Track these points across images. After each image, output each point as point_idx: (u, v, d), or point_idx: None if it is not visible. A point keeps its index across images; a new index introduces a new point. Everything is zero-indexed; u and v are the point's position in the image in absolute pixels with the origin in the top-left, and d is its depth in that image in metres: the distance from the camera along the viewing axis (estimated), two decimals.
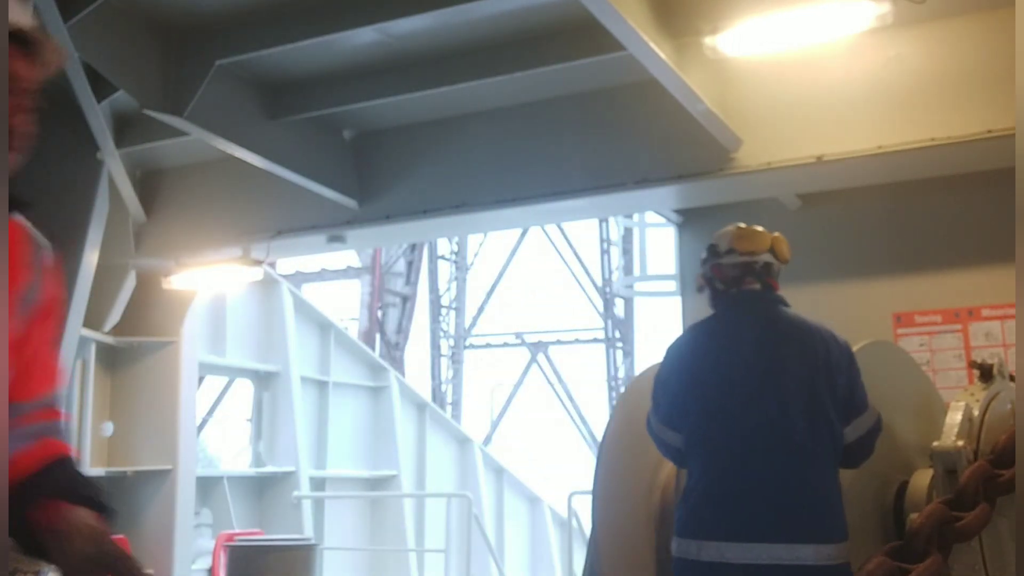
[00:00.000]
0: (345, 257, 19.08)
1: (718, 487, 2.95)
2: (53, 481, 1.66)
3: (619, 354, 20.29)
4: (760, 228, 3.22)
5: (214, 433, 13.85)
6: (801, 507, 2.84)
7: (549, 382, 22.12)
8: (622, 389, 20.15)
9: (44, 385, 1.76)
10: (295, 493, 10.17)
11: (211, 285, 8.06)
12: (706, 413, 3.03)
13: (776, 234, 3.21)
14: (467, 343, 21.63)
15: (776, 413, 2.91)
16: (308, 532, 9.86)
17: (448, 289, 21.39)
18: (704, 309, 3.27)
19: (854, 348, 3.17)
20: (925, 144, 5.56)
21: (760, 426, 2.92)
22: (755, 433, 2.92)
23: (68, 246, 5.86)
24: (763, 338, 3.04)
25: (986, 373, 2.92)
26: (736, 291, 3.14)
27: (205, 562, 8.82)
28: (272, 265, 10.05)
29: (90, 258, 6.94)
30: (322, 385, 11.29)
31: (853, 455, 2.97)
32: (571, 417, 21.94)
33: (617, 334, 20.21)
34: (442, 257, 21.28)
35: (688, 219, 7.48)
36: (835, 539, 2.82)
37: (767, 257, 3.15)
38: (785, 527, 2.81)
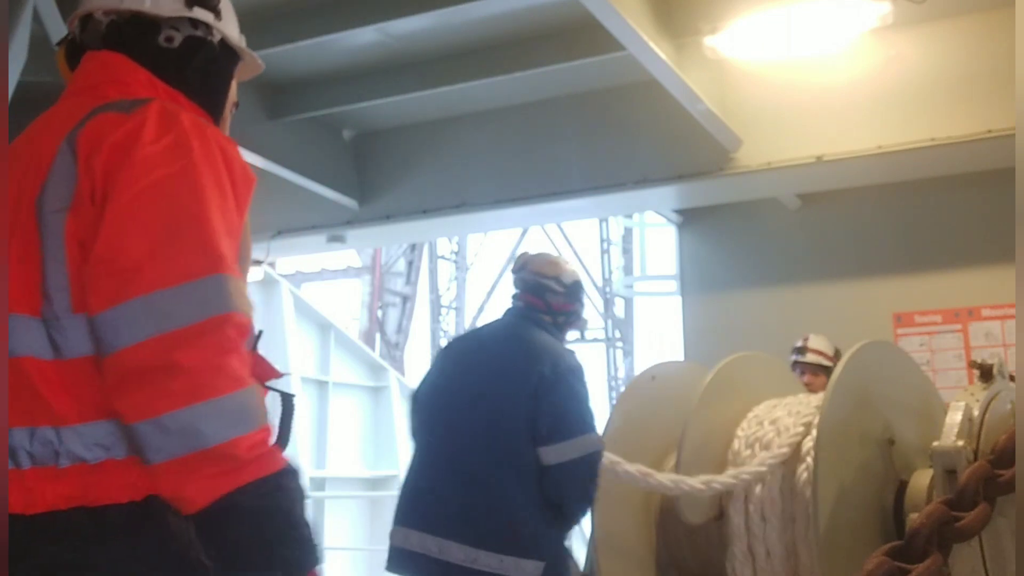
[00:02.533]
0: (345, 257, 19.06)
1: (413, 481, 3.25)
2: None
3: (619, 354, 20.26)
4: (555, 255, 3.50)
5: None
6: (473, 512, 3.05)
7: None
8: (622, 389, 20.11)
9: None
10: None
11: None
12: (425, 410, 3.33)
13: (536, 253, 3.46)
14: None
15: (470, 423, 3.13)
16: None
17: (448, 289, 21.38)
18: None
19: (854, 348, 3.17)
20: (925, 144, 5.56)
21: (452, 432, 3.16)
22: (449, 438, 3.17)
23: None
24: (488, 350, 3.29)
25: (986, 373, 2.91)
26: (511, 305, 3.41)
27: None
28: (272, 265, 10.05)
29: None
30: (322, 385, 11.28)
31: (556, 481, 3.06)
32: None
33: (617, 334, 20.17)
34: (442, 257, 21.26)
35: (688, 219, 7.47)
36: (503, 551, 2.97)
37: (529, 276, 3.34)
38: (460, 528, 3.05)
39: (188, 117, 1.58)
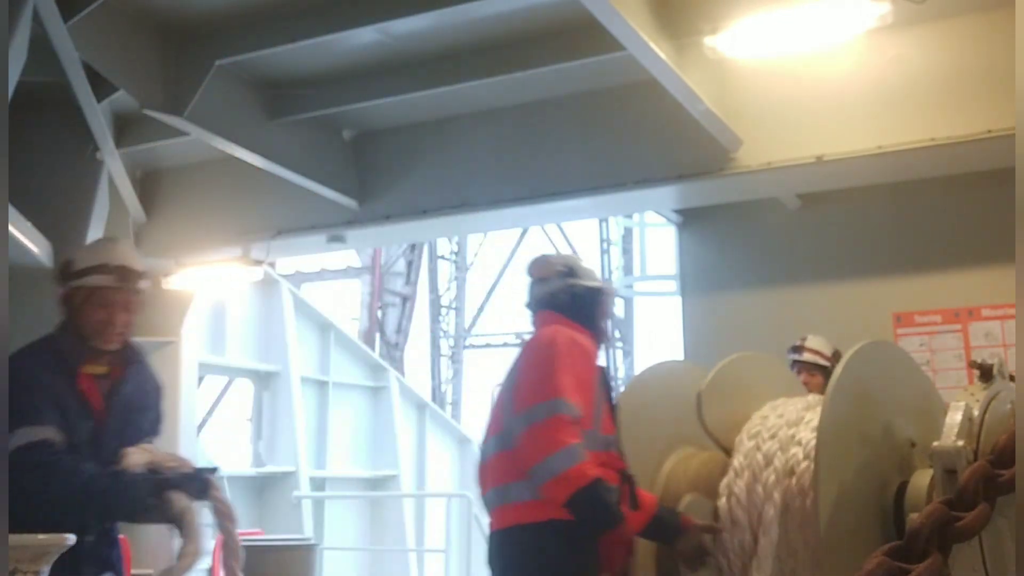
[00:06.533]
0: (345, 257, 19.06)
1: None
2: None
3: (619, 354, 20.28)
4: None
5: (214, 433, 13.84)
6: None
7: None
8: (622, 389, 20.04)
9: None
10: (295, 493, 10.17)
11: (211, 285, 8.05)
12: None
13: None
14: (467, 343, 21.62)
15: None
16: (308, 532, 9.86)
17: (448, 289, 21.38)
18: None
19: (854, 348, 3.17)
20: (925, 144, 5.56)
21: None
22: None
23: (68, 246, 5.87)
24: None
25: (986, 373, 2.91)
26: None
27: (205, 562, 8.83)
28: (272, 265, 10.06)
29: None
30: (322, 385, 11.29)
31: None
32: None
33: (617, 334, 20.18)
34: (442, 257, 21.26)
35: (688, 219, 7.48)
36: None
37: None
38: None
39: None
